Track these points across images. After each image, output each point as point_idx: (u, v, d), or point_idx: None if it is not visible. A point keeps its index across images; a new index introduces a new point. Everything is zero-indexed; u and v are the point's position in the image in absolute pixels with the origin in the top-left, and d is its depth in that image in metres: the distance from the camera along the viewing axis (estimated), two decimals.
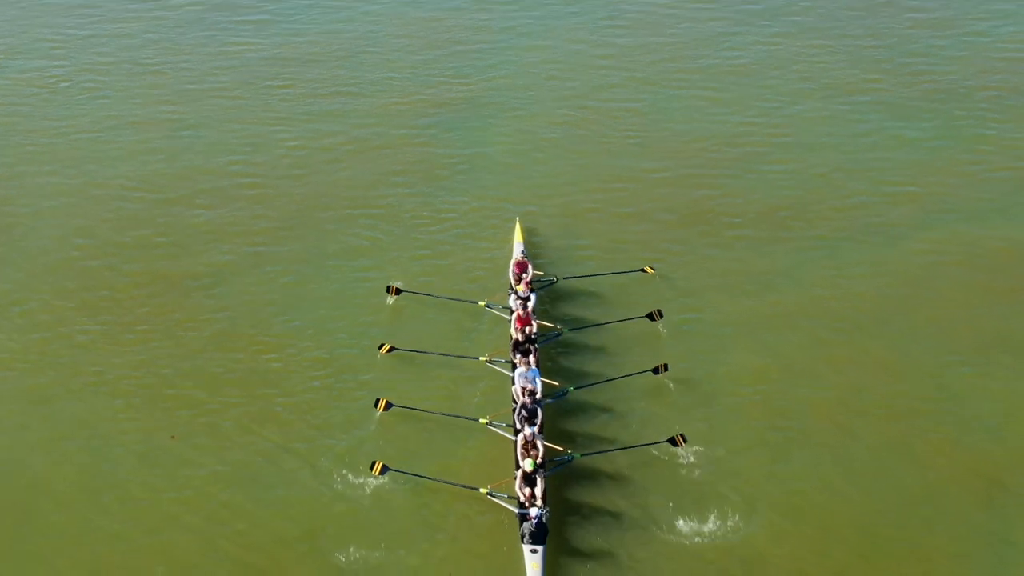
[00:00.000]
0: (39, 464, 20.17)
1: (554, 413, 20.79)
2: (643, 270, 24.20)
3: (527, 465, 18.35)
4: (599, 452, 19.68)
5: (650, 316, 22.71)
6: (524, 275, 23.17)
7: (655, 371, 21.11)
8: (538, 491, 18.17)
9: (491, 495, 18.66)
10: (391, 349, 21.96)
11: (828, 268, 24.63)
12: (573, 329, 22.70)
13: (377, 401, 20.72)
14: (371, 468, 19.17)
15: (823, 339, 22.64)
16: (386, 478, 19.15)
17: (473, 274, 24.67)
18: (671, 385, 21.25)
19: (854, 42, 34.72)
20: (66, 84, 33.72)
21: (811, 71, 33.02)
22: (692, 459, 19.59)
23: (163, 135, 30.72)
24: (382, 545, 18.17)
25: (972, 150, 28.73)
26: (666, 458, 19.61)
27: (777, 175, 28.05)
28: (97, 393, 21.75)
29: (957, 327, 22.78)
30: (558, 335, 22.36)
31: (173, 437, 20.59)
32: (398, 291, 23.56)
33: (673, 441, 19.52)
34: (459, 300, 23.47)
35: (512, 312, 22.28)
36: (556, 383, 21.05)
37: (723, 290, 24.06)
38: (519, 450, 18.97)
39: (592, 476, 19.48)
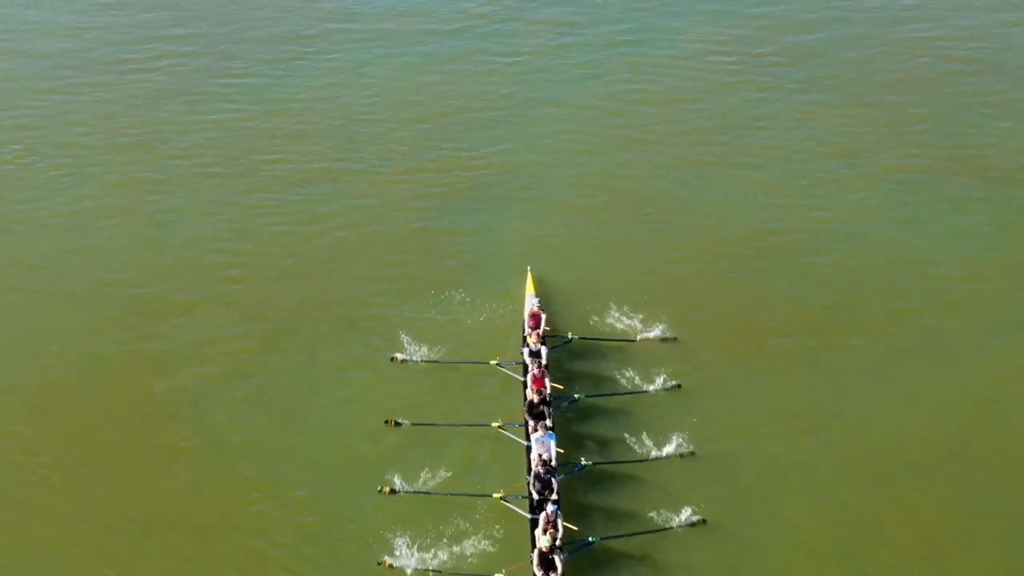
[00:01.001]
0: None
1: (571, 488, 19.61)
2: (665, 339, 22.82)
3: (543, 543, 17.54)
4: (622, 536, 18.51)
5: (672, 388, 21.59)
6: (538, 328, 22.07)
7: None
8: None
9: None
10: (396, 423, 20.84)
11: (884, 389, 21.97)
12: (590, 396, 21.39)
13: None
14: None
15: (886, 476, 20.10)
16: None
17: (483, 338, 23.25)
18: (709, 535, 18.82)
19: (895, 106, 31.76)
20: (34, 159, 30.61)
21: (850, 144, 30.13)
22: None
23: (142, 221, 27.85)
24: None
25: None
26: (694, 545, 18.59)
27: (819, 271, 25.34)
28: (55, 547, 19.02)
29: None
30: (574, 401, 21.22)
31: None
32: (403, 361, 22.41)
33: (693, 524, 18.75)
34: (469, 363, 22.27)
35: (525, 367, 21.37)
36: (572, 455, 20.01)
37: (765, 418, 21.41)
38: (539, 528, 18.00)
39: (615, 562, 18.36)
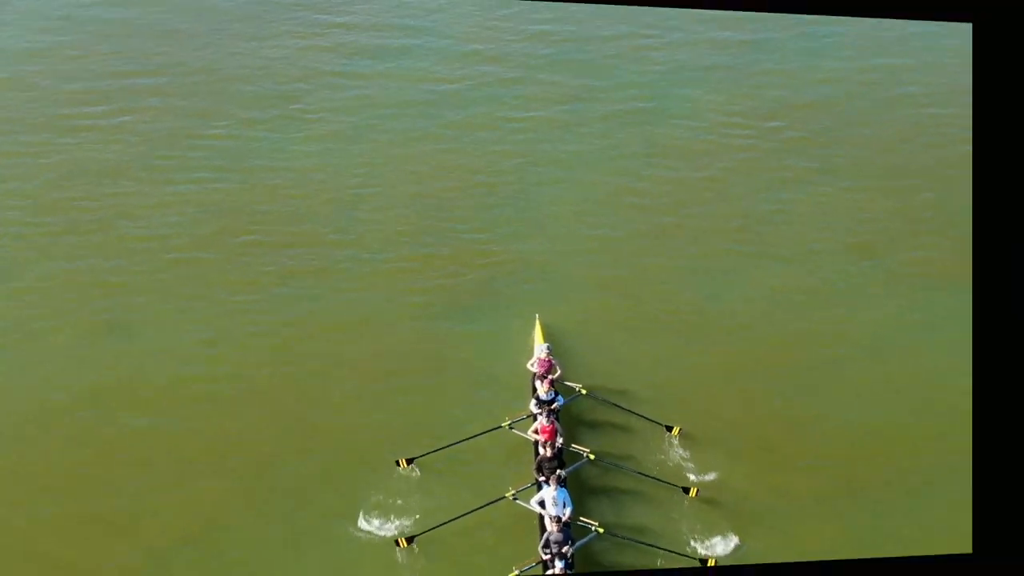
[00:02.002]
0: None
1: (582, 557, 18.29)
2: (669, 428, 21.02)
3: None
4: None
5: (685, 489, 19.78)
6: (549, 376, 20.91)
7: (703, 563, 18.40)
8: None
9: None
10: (410, 539, 18.74)
11: (932, 530, 19.16)
12: (601, 461, 20.02)
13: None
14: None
15: None
16: None
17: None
18: None
19: (915, 190, 28.73)
20: None
21: (870, 235, 27.12)
22: None
23: (94, 326, 23.51)
24: None
25: None
26: None
27: (849, 386, 22.34)
28: None
29: None
30: (585, 463, 20.04)
31: None
32: (409, 461, 20.21)
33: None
34: (480, 434, 20.28)
35: (535, 418, 20.25)
36: (582, 520, 18.74)
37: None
38: None
39: None
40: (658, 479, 19.77)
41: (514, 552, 18.29)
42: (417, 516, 19.05)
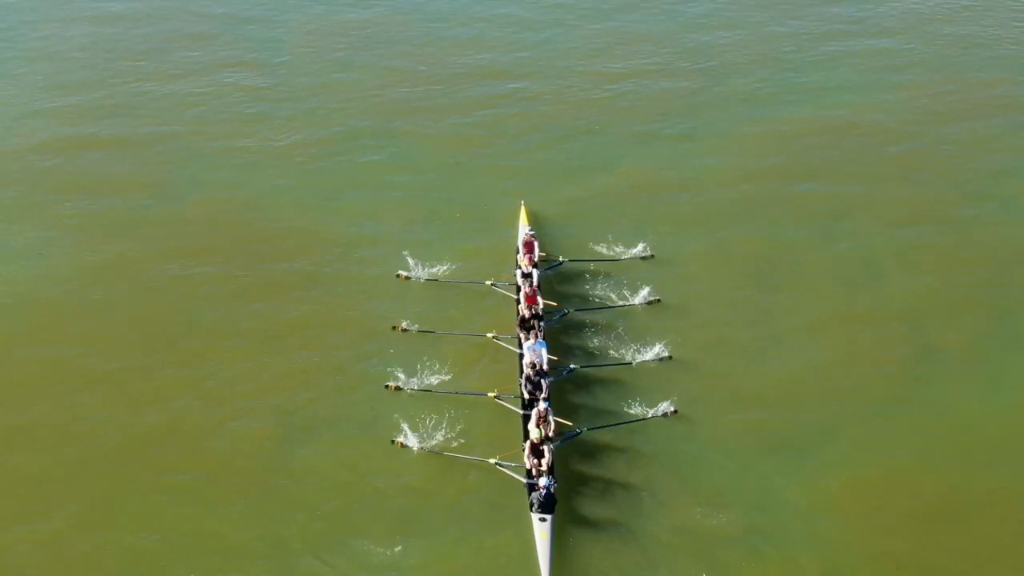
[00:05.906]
0: None
1: (561, 390, 21.56)
2: (645, 257, 25.53)
3: (535, 435, 19.47)
4: (606, 426, 20.65)
5: (653, 302, 24.01)
6: (531, 254, 24.37)
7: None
8: (546, 462, 19.14)
9: (499, 465, 19.66)
10: (404, 329, 22.99)
11: None
12: (579, 310, 23.80)
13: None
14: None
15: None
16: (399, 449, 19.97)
17: (480, 259, 25.54)
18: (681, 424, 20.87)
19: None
20: None
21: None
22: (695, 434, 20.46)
23: None
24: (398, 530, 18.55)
25: None
26: (672, 436, 20.55)
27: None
28: None
29: None
30: (564, 314, 23.53)
31: None
32: (407, 277, 24.71)
33: (667, 415, 20.83)
34: (466, 282, 24.59)
35: (519, 289, 23.61)
36: (562, 361, 22.07)
37: (736, 327, 23.19)
38: (532, 423, 19.82)
39: (599, 450, 20.31)
40: (625, 304, 23.67)
41: (496, 380, 21.60)
42: (412, 315, 23.37)
